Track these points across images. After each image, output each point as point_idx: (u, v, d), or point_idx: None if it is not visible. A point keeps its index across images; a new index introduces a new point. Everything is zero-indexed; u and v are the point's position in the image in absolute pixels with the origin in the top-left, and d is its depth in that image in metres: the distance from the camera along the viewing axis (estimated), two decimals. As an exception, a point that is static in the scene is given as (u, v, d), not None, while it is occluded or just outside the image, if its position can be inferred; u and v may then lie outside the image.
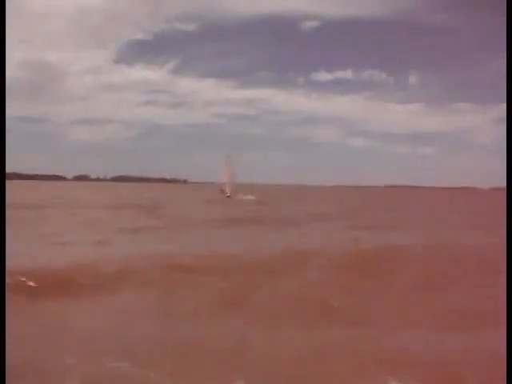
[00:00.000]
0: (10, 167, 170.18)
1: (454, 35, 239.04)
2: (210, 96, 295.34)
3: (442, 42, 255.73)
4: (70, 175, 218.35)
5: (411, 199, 77.60)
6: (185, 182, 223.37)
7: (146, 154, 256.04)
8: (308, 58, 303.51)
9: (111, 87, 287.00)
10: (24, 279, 10.33)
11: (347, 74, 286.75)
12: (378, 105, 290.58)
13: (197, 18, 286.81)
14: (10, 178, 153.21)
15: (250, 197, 64.29)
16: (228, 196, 67.58)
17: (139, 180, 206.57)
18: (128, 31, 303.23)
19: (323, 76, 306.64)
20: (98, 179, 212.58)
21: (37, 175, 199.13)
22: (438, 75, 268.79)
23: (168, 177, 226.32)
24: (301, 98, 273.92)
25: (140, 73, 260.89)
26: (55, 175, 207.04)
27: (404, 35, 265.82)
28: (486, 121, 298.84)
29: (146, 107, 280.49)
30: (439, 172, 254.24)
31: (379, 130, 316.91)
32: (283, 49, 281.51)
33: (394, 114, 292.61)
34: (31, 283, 10.28)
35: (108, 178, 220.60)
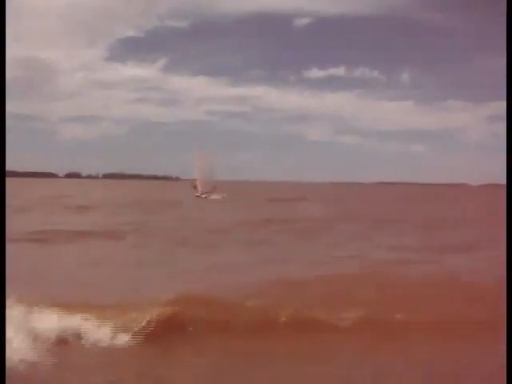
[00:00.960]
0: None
1: (447, 33, 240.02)
2: (202, 93, 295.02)
3: (435, 40, 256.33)
4: (61, 173, 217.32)
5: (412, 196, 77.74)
6: (177, 179, 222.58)
7: (137, 151, 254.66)
8: (300, 56, 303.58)
9: (103, 85, 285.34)
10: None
11: (339, 71, 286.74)
12: (370, 102, 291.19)
13: (189, 15, 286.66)
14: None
15: (218, 196, 56.99)
16: (198, 195, 59.44)
17: (131, 177, 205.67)
18: (120, 29, 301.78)
19: (315, 73, 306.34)
20: (89, 177, 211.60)
21: (28, 172, 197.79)
22: (430, 73, 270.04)
23: (160, 174, 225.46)
24: (293, 95, 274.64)
25: (132, 70, 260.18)
26: (46, 172, 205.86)
27: (396, 33, 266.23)
28: (477, 119, 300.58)
29: (137, 105, 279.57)
30: (430, 169, 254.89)
31: (371, 127, 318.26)
32: (275, 46, 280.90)
33: (386, 112, 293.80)
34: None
35: (100, 175, 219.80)
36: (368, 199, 67.09)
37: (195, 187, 62.74)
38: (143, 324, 7.19)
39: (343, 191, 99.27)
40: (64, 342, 6.98)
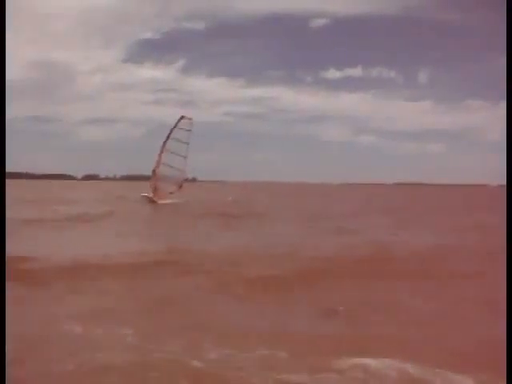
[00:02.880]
0: (20, 167, 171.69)
1: (464, 33, 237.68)
2: (218, 95, 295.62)
3: (452, 39, 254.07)
4: (79, 174, 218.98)
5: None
6: (194, 180, 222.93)
7: (154, 152, 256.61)
8: (317, 56, 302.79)
9: (120, 86, 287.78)
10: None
11: (356, 71, 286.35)
12: (388, 102, 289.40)
13: (205, 16, 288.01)
14: (20, 178, 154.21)
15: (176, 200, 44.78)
16: (151, 198, 46.48)
17: (148, 179, 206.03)
18: (136, 30, 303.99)
19: (332, 74, 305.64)
20: (107, 178, 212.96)
21: (46, 175, 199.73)
22: (447, 73, 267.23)
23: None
24: (310, 96, 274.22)
25: (148, 72, 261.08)
26: (65, 174, 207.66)
27: (413, 33, 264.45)
28: (496, 118, 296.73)
29: (154, 106, 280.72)
30: (448, 169, 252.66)
31: (388, 127, 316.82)
32: (292, 47, 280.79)
33: (404, 112, 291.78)
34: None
35: (117, 177, 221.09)
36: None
37: (155, 189, 49.27)
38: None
39: (364, 192, 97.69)
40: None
